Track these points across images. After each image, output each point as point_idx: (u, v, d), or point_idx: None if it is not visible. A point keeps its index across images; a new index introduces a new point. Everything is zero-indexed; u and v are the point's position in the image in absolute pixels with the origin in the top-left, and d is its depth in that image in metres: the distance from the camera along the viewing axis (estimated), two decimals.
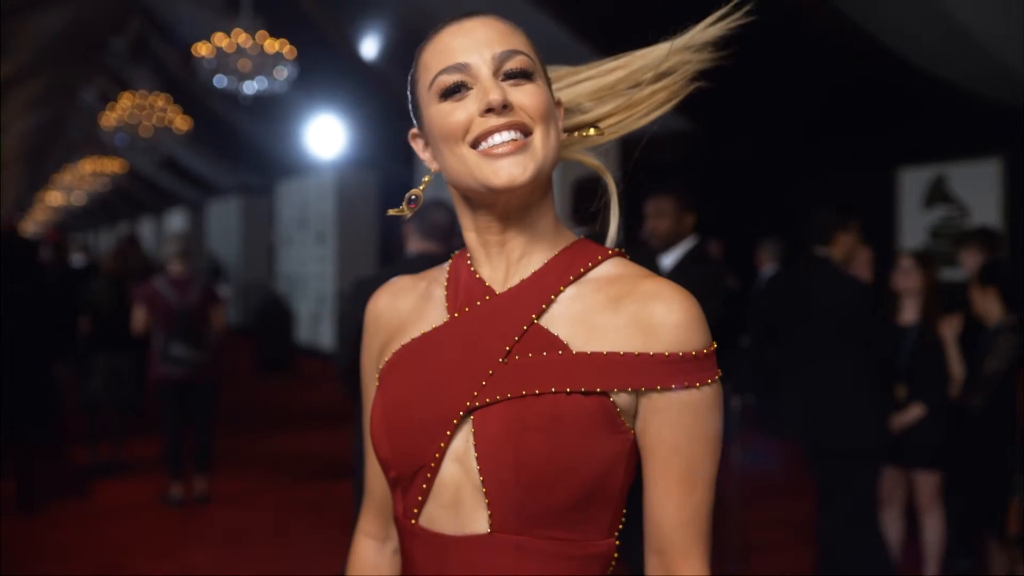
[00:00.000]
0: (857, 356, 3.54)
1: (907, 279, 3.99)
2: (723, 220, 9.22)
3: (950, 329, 3.94)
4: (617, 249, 1.11)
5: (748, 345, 4.19)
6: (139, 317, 5.43)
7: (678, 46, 1.14)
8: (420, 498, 1.03)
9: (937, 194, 6.92)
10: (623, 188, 1.17)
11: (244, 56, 7.75)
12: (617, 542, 1.04)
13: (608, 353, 0.99)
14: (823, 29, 5.87)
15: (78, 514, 5.39)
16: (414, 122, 1.10)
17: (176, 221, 22.10)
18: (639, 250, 4.16)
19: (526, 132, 1.00)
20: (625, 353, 0.99)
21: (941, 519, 3.97)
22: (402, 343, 1.10)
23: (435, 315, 1.10)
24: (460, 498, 1.01)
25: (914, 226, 7.06)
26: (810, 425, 3.61)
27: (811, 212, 3.68)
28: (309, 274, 14.02)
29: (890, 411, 3.82)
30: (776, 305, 3.83)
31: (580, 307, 1.03)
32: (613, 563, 1.04)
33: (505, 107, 0.99)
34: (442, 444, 1.01)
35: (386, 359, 1.11)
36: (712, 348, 1.02)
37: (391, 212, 1.12)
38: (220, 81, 7.94)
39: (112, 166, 17.79)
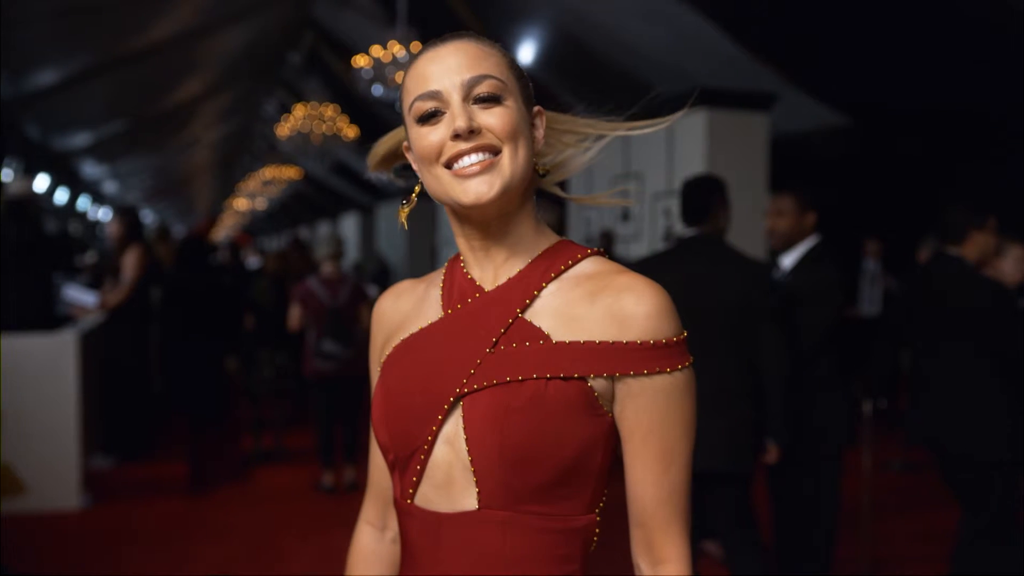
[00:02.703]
0: (991, 361, 3.33)
1: None
2: (884, 218, 8.82)
3: None
4: (596, 248, 1.18)
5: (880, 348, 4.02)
6: (294, 315, 5.79)
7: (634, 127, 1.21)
8: (415, 479, 1.13)
9: None
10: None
11: (399, 67, 8.07)
12: (598, 518, 1.12)
13: (585, 342, 1.08)
14: (988, 19, 5.54)
15: (239, 496, 5.80)
16: (407, 137, 1.18)
17: (349, 224, 23.15)
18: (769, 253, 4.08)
19: (495, 152, 1.09)
20: (601, 342, 1.07)
21: None
22: (401, 338, 1.21)
23: (431, 313, 1.20)
24: (451, 477, 1.10)
25: None
26: (939, 433, 3.43)
27: (944, 210, 3.50)
28: None
29: None
30: (905, 307, 3.66)
31: (560, 301, 1.12)
32: (595, 539, 1.12)
33: (472, 132, 1.07)
34: (434, 428, 1.11)
35: (387, 353, 1.22)
36: (683, 336, 1.09)
37: (402, 221, 1.23)
38: (377, 90, 8.30)
39: (289, 173, 18.86)
